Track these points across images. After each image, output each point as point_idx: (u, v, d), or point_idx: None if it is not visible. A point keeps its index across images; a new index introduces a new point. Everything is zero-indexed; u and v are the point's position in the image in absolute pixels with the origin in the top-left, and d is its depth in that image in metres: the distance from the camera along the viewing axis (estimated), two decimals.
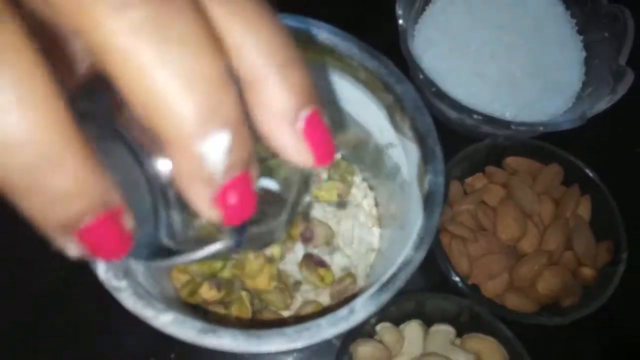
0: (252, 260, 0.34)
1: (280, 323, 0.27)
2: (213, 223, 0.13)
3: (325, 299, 0.36)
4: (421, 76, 0.41)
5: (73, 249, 0.12)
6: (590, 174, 0.40)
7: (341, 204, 0.38)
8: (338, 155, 0.41)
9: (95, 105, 0.14)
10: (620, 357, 0.42)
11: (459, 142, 0.41)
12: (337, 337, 0.38)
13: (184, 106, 0.11)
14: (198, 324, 0.24)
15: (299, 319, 0.26)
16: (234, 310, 0.35)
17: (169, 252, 0.16)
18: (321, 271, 0.35)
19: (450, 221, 0.39)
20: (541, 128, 0.40)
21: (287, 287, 0.35)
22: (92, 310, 0.40)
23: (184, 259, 0.16)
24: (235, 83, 0.12)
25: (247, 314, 0.34)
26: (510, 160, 0.42)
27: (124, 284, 0.25)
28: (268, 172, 0.16)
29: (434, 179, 0.29)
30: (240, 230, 0.15)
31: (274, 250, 0.35)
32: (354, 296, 0.26)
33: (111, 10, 0.10)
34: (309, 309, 0.35)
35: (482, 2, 0.47)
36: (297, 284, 0.36)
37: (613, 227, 0.38)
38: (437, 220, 0.28)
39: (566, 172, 0.41)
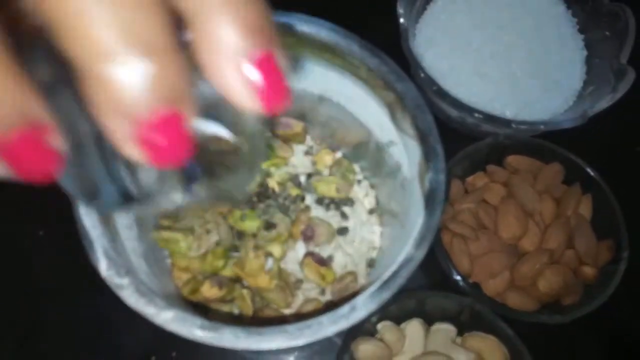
0: (253, 259, 0.34)
1: (282, 321, 0.27)
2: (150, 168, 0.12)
3: (326, 297, 0.36)
4: (422, 75, 0.41)
5: None
6: (591, 173, 0.40)
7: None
8: (339, 154, 0.41)
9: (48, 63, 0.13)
10: (620, 355, 0.42)
11: (460, 141, 0.41)
12: (338, 335, 0.38)
13: (99, 26, 0.10)
14: (199, 321, 0.24)
15: (300, 317, 0.26)
16: (236, 309, 0.35)
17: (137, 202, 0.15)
18: (322, 270, 0.35)
19: (451, 220, 0.39)
20: (542, 127, 0.40)
21: (288, 285, 0.35)
22: (92, 309, 0.40)
23: (139, 208, 0.15)
24: (168, 12, 0.11)
25: (248, 312, 0.34)
26: (511, 159, 0.42)
27: (126, 281, 0.25)
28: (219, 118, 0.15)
29: (435, 177, 0.29)
30: (189, 176, 0.15)
31: (275, 249, 0.35)
32: (354, 294, 0.26)
33: None
34: (310, 307, 0.35)
35: (483, 1, 0.47)
36: (298, 282, 0.36)
37: (614, 225, 0.38)
38: (438, 218, 0.28)
39: (567, 171, 0.41)
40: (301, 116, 0.40)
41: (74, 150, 0.12)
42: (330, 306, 0.30)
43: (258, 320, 0.34)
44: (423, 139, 0.30)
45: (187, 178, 0.15)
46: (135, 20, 0.10)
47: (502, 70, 0.44)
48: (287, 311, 0.36)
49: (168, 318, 0.24)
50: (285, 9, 0.32)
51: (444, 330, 0.37)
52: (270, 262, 0.36)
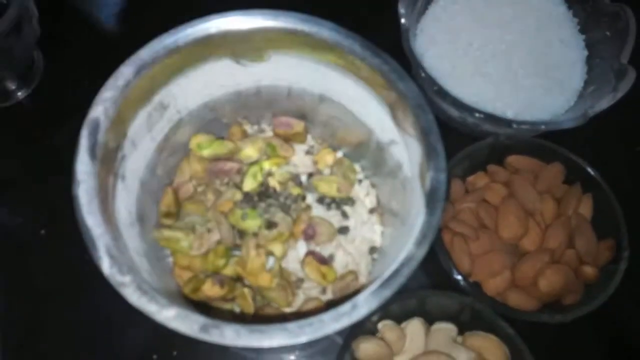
0: (254, 257, 0.34)
1: (283, 319, 0.27)
2: None
3: (327, 296, 0.36)
4: (423, 75, 0.41)
5: None
6: (592, 173, 0.40)
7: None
8: (340, 154, 0.41)
9: None
10: (621, 354, 0.42)
11: (461, 141, 0.41)
12: (339, 334, 0.38)
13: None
14: (201, 319, 0.24)
15: (301, 316, 0.26)
16: (237, 307, 0.35)
17: None
18: (323, 268, 0.35)
19: (452, 219, 0.39)
20: (543, 127, 0.40)
21: (289, 284, 0.36)
22: (92, 309, 0.40)
23: None
24: None
25: (249, 310, 0.34)
26: (512, 159, 0.42)
27: (128, 279, 0.25)
28: None
29: (436, 176, 0.29)
30: None
31: (276, 248, 0.35)
32: (355, 293, 0.26)
33: None
34: (310, 306, 0.35)
35: (484, 1, 0.47)
36: (299, 281, 0.36)
37: (614, 225, 0.38)
38: (439, 216, 0.28)
39: (568, 171, 0.41)
40: (302, 116, 0.40)
41: None
42: (331, 305, 0.30)
43: (259, 319, 0.35)
44: (424, 138, 0.30)
45: None
46: None
47: (503, 70, 0.45)
48: (288, 310, 0.36)
49: (170, 316, 0.24)
50: (287, 8, 0.32)
51: (445, 329, 0.37)
52: (271, 261, 0.36)
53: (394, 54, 0.32)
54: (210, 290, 0.33)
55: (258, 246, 0.35)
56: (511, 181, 0.40)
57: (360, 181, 0.40)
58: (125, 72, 0.30)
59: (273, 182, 0.38)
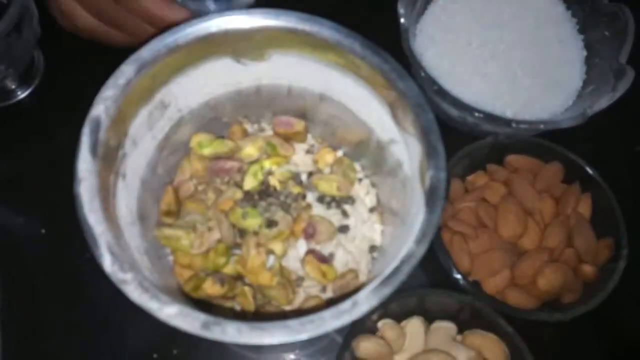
0: (254, 256, 0.35)
1: (284, 317, 0.27)
2: None
3: (327, 294, 0.36)
4: (422, 74, 0.42)
5: None
6: (591, 172, 0.40)
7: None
8: (340, 153, 0.41)
9: None
10: (620, 353, 0.42)
11: (460, 140, 0.41)
12: (339, 333, 0.38)
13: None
14: (202, 317, 0.24)
15: (301, 314, 0.26)
16: (237, 306, 0.35)
17: None
18: (323, 267, 0.36)
19: (451, 218, 0.39)
20: (542, 126, 0.41)
21: (290, 282, 0.36)
22: (93, 307, 0.40)
23: None
24: None
25: (250, 308, 0.34)
26: (511, 158, 0.42)
27: (130, 276, 0.25)
28: None
29: (436, 175, 0.29)
30: None
31: (276, 246, 0.36)
32: (355, 291, 0.26)
33: None
34: (311, 304, 0.35)
35: (483, 1, 0.47)
36: (300, 279, 0.37)
37: (613, 224, 0.39)
38: (439, 215, 0.28)
39: (567, 170, 0.41)
40: (302, 115, 0.40)
41: None
42: (331, 303, 0.30)
43: (260, 317, 0.35)
44: (424, 137, 0.30)
45: None
46: None
47: (502, 70, 0.45)
48: (288, 308, 0.36)
49: (171, 313, 0.24)
50: (287, 7, 0.32)
51: (444, 328, 0.37)
52: (271, 260, 0.36)
53: (393, 53, 0.32)
54: (211, 288, 0.33)
55: (258, 245, 0.35)
56: (510, 180, 0.40)
57: (360, 180, 0.41)
58: (126, 70, 0.30)
59: (273, 181, 0.38)
